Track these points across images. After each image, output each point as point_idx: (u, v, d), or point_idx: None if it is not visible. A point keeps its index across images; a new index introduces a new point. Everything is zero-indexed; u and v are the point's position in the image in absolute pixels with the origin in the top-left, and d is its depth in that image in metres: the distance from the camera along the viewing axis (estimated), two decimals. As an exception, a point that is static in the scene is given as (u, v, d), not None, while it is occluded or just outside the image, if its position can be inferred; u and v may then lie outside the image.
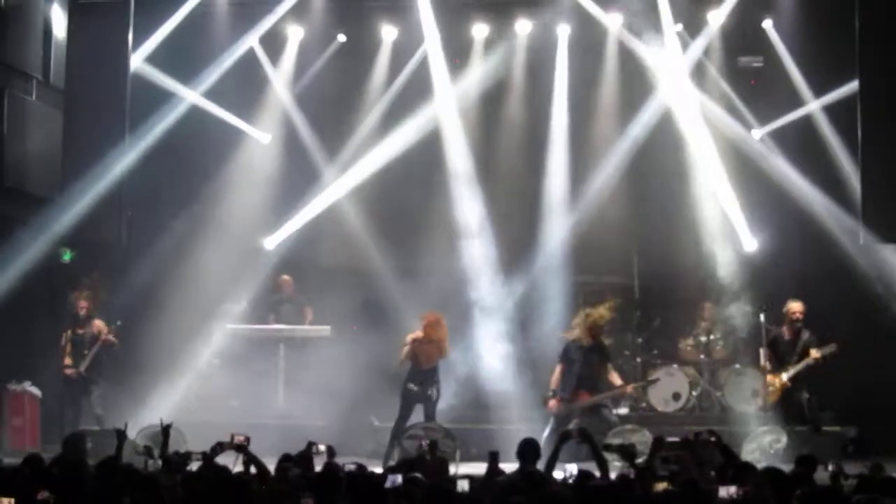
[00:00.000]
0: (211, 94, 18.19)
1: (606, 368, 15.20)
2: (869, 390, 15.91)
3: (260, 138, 19.01)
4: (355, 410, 16.03)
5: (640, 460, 9.83)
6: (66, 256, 17.19)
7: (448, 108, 18.46)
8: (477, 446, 14.45)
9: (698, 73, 18.22)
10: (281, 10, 18.11)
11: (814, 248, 16.95)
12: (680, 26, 17.94)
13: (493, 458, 10.16)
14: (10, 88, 16.06)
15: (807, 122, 17.69)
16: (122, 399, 15.65)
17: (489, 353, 16.97)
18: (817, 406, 15.14)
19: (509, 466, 10.10)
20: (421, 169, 18.56)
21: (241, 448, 9.92)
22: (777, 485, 8.33)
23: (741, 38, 18.17)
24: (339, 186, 18.57)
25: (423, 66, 18.65)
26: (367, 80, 19.04)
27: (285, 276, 18.18)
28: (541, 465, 9.90)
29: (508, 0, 18.43)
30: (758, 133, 18.12)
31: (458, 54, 18.62)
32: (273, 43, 18.86)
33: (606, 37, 18.32)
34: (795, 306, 15.09)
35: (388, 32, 18.85)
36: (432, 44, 18.45)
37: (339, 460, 10.04)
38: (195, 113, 18.04)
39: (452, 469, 11.24)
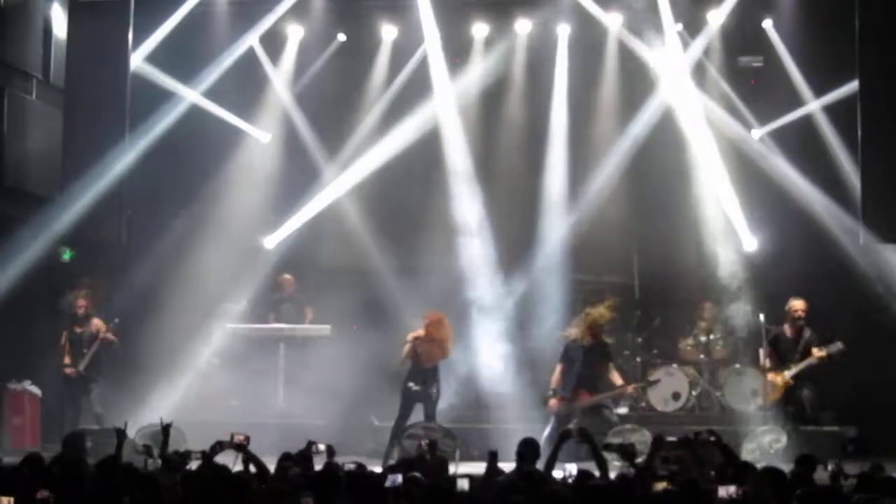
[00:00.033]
0: (211, 94, 18.19)
1: (608, 368, 15.17)
2: (869, 390, 15.91)
3: (260, 138, 19.00)
4: (355, 409, 16.03)
5: (639, 460, 9.84)
6: (66, 255, 17.19)
7: (448, 107, 18.46)
8: (477, 446, 14.44)
9: (698, 73, 18.21)
10: (281, 9, 18.09)
11: (814, 247, 16.94)
12: (680, 26, 17.93)
13: (493, 458, 10.16)
14: (10, 87, 16.07)
15: (807, 122, 17.69)
16: (121, 398, 15.64)
17: (489, 353, 16.96)
18: (818, 406, 15.13)
19: (509, 466, 10.10)
20: (421, 168, 18.57)
21: (241, 447, 9.92)
22: (777, 484, 8.33)
23: (741, 38, 18.17)
24: (338, 185, 18.57)
25: (423, 65, 18.65)
26: (367, 79, 19.03)
27: (287, 275, 18.17)
28: (540, 465, 9.91)
29: (508, -1, 18.45)
30: (758, 133, 18.12)
31: (458, 54, 18.62)
32: (273, 42, 18.86)
33: (606, 36, 18.31)
34: (798, 304, 15.09)
35: (388, 32, 18.85)
36: (432, 43, 18.45)
37: (338, 459, 10.06)
38: (195, 112, 18.03)
39: (452, 469, 11.23)
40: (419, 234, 18.27)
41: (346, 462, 9.60)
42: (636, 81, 18.25)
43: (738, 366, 16.84)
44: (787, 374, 14.94)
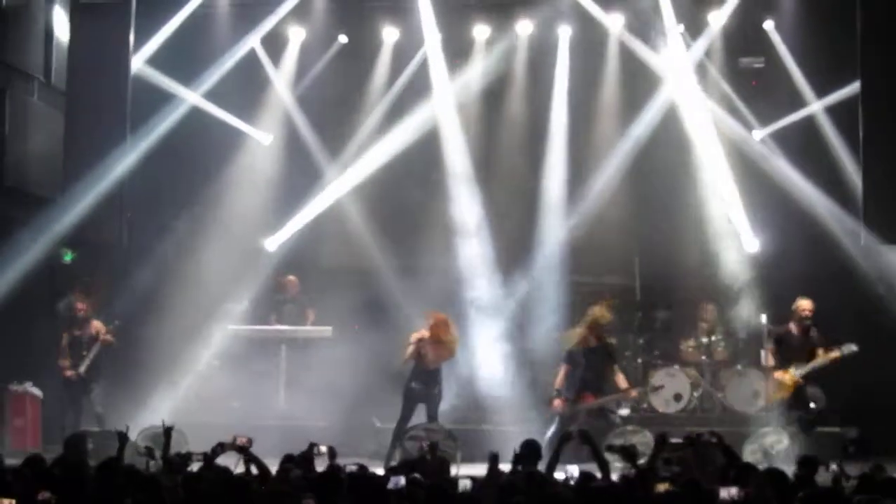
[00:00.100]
0: (212, 95, 18.20)
1: (612, 370, 15.10)
2: (870, 391, 15.90)
3: (261, 139, 19.01)
4: (357, 411, 16.03)
5: (641, 461, 9.83)
6: (67, 257, 17.20)
7: (449, 108, 18.46)
8: (479, 448, 14.41)
9: (699, 74, 18.21)
10: (282, 11, 18.12)
11: (815, 249, 16.94)
12: (681, 27, 17.93)
13: (494, 460, 10.15)
14: (12, 89, 16.07)
15: (808, 123, 17.69)
16: (122, 399, 15.66)
17: (490, 353, 16.97)
18: (826, 406, 15.08)
19: (510, 468, 10.10)
20: (422, 168, 18.59)
21: (243, 449, 9.91)
22: (779, 486, 8.32)
23: (742, 39, 18.16)
24: (339, 186, 18.57)
25: (424, 67, 18.66)
26: (369, 81, 19.04)
27: (291, 277, 18.16)
28: (542, 467, 9.90)
29: (509, 1, 18.41)
30: (759, 134, 18.11)
31: (459, 55, 18.62)
32: (274, 44, 18.86)
33: (607, 38, 18.32)
34: (805, 304, 15.04)
35: (390, 33, 18.85)
36: (433, 45, 18.45)
37: (340, 461, 10.05)
38: (196, 114, 18.05)
39: (454, 470, 11.22)
40: (420, 235, 18.29)
41: (348, 463, 9.59)
42: (637, 82, 18.25)
43: (739, 367, 16.84)
44: (797, 372, 14.86)
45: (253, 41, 18.49)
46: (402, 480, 8.81)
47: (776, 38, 17.94)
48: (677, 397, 16.72)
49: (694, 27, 18.05)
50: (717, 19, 17.89)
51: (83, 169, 16.02)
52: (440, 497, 8.18)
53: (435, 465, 10.58)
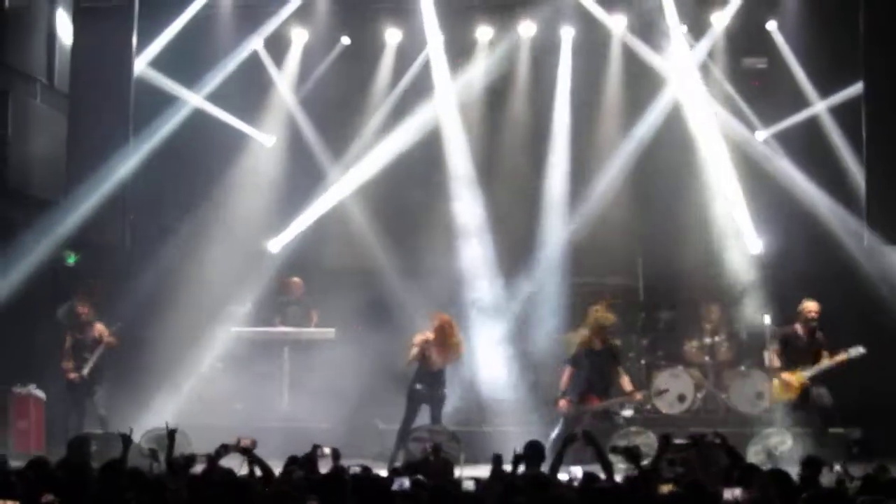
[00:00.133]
0: (215, 98, 18.21)
1: (617, 372, 15.08)
2: (873, 392, 15.87)
3: (264, 141, 19.01)
4: (360, 412, 16.03)
5: (645, 462, 9.82)
6: (70, 259, 17.21)
7: (452, 109, 18.46)
8: (482, 449, 14.40)
9: (702, 74, 18.20)
10: (285, 12, 18.13)
11: (818, 249, 16.93)
12: (684, 28, 17.93)
13: (497, 461, 10.15)
14: (15, 91, 16.07)
15: (811, 124, 17.68)
16: (125, 401, 15.64)
17: (492, 355, 16.96)
18: (833, 406, 15.05)
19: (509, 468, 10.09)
20: (424, 169, 18.59)
21: (246, 450, 9.92)
22: (782, 487, 8.31)
23: (745, 40, 18.17)
24: (342, 187, 18.57)
25: (427, 68, 18.66)
26: (371, 82, 19.04)
27: (295, 279, 18.16)
28: (545, 468, 9.90)
29: (512, 2, 18.41)
30: (762, 134, 18.11)
31: (462, 57, 18.61)
32: (277, 46, 18.87)
33: (610, 39, 18.32)
34: (812, 306, 15.00)
35: (392, 35, 18.85)
36: (436, 46, 18.45)
37: (344, 462, 10.05)
38: (199, 116, 18.06)
39: (457, 472, 11.22)
40: (422, 236, 18.27)
41: (352, 465, 9.59)
42: (640, 83, 18.26)
43: (743, 368, 16.82)
44: (804, 374, 14.82)
45: (256, 43, 18.51)
46: (407, 482, 8.81)
47: (779, 39, 17.94)
48: (681, 398, 16.71)
49: (697, 28, 18.05)
50: (720, 20, 17.88)
51: (86, 171, 16.03)
52: (443, 498, 8.17)
53: (438, 467, 10.58)
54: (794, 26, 17.71)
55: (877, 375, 15.71)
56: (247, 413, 16.32)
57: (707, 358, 17.31)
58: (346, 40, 18.97)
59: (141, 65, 16.95)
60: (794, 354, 15.01)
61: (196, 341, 16.90)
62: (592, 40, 18.40)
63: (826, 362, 14.75)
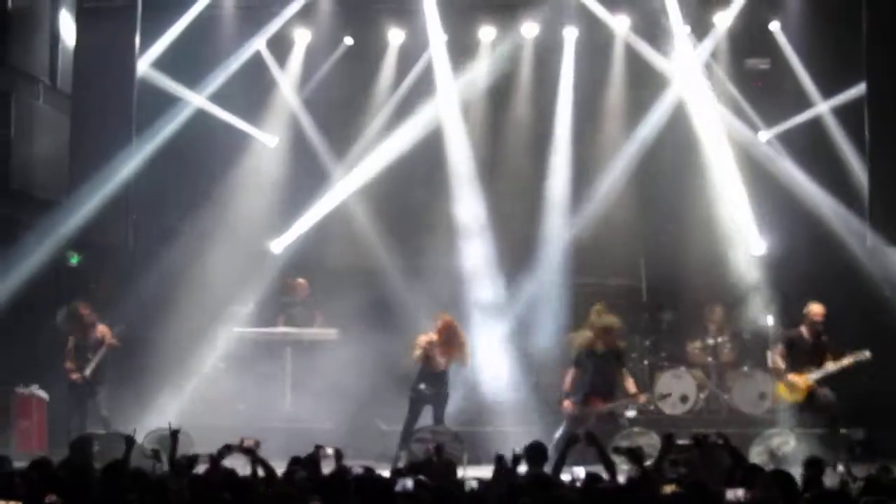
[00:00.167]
0: (218, 98, 18.23)
1: (621, 374, 15.07)
2: (876, 392, 15.86)
3: (267, 142, 19.01)
4: (363, 413, 16.03)
5: (648, 462, 9.82)
6: (73, 260, 17.22)
7: (454, 109, 18.46)
8: (485, 450, 14.41)
9: (705, 75, 18.19)
10: (288, 13, 18.16)
11: (821, 250, 16.93)
12: (687, 28, 17.92)
13: (500, 461, 10.15)
14: (17, 92, 16.07)
15: (814, 124, 17.68)
16: (128, 402, 15.64)
17: (495, 355, 16.96)
18: (838, 407, 15.03)
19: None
20: (427, 169, 18.60)
21: (249, 451, 9.92)
22: (785, 488, 8.31)
23: (748, 40, 18.17)
24: (344, 188, 18.57)
25: (430, 69, 18.66)
26: (374, 83, 19.05)
27: (301, 280, 18.15)
28: (548, 468, 9.90)
29: (515, 3, 18.41)
30: (765, 135, 18.10)
31: (464, 57, 18.61)
32: (280, 46, 18.88)
33: (613, 39, 18.32)
34: (818, 309, 14.95)
35: (395, 36, 18.85)
36: (438, 47, 18.46)
37: (346, 463, 10.05)
38: (202, 116, 18.07)
39: (460, 472, 11.21)
40: (424, 236, 18.29)
41: (355, 466, 9.59)
42: (643, 84, 18.25)
43: (746, 368, 16.82)
44: (811, 376, 14.79)
45: (258, 44, 18.52)
46: (409, 483, 8.81)
47: (782, 39, 17.94)
48: (684, 399, 16.70)
49: (699, 28, 18.05)
50: (723, 20, 17.89)
51: (89, 172, 16.05)
52: (446, 499, 8.18)
53: (441, 468, 10.57)
54: (797, 27, 17.71)
55: (880, 376, 15.70)
56: (249, 413, 16.31)
57: (710, 359, 17.30)
58: (348, 41, 18.98)
59: (144, 65, 16.98)
60: (799, 357, 14.97)
61: (199, 342, 16.90)
62: (595, 41, 18.40)
63: (832, 366, 14.72)
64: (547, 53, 18.57)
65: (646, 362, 17.41)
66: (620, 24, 18.10)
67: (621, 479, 9.48)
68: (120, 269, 17.50)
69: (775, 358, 15.28)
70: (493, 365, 16.86)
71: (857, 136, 16.20)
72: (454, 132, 18.46)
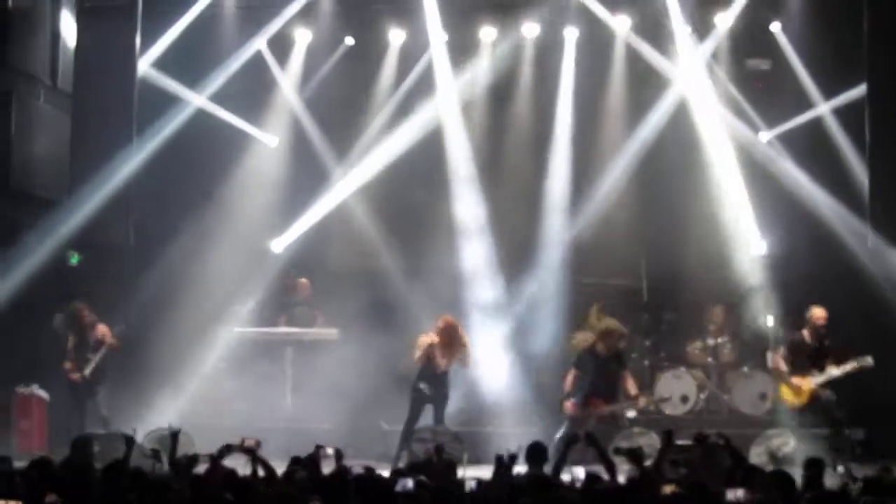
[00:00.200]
0: (218, 98, 18.22)
1: (623, 376, 15.09)
2: (876, 392, 15.85)
3: (267, 142, 19.01)
4: (363, 413, 16.03)
5: (648, 463, 9.82)
6: (74, 259, 17.22)
7: (454, 109, 18.46)
8: (485, 450, 14.41)
9: (706, 75, 18.18)
10: (288, 13, 18.13)
11: (822, 250, 16.92)
12: (688, 29, 17.91)
13: (500, 462, 10.15)
14: (18, 92, 16.06)
15: (815, 125, 17.66)
16: (128, 401, 15.65)
17: (495, 355, 16.96)
18: (839, 408, 15.03)
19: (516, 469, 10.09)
20: (427, 169, 18.57)
21: (249, 450, 9.92)
22: (785, 488, 8.31)
23: (749, 41, 18.15)
24: (345, 187, 18.57)
25: (431, 69, 18.65)
26: (375, 83, 19.03)
27: (303, 280, 18.17)
28: (548, 468, 9.90)
29: (515, 3, 18.41)
30: (766, 136, 18.10)
31: (465, 57, 18.61)
32: (281, 46, 18.87)
33: (614, 39, 18.32)
34: (821, 313, 14.94)
35: (396, 36, 18.84)
36: (439, 47, 18.45)
37: (347, 463, 10.05)
38: (202, 116, 18.06)
39: (460, 472, 11.22)
40: (424, 236, 18.27)
41: (355, 465, 9.59)
42: (644, 84, 18.25)
43: (746, 369, 16.83)
44: (815, 380, 14.78)
45: (259, 43, 18.51)
46: (410, 483, 8.81)
47: (783, 40, 17.92)
48: (684, 399, 16.71)
49: (700, 29, 18.03)
50: (724, 21, 17.87)
51: (89, 171, 16.05)
52: (446, 499, 8.18)
53: (441, 468, 10.58)
54: (798, 27, 17.69)
55: (880, 376, 15.69)
56: (250, 413, 16.32)
57: (710, 359, 17.30)
58: (349, 40, 18.97)
59: (144, 65, 16.97)
60: (802, 361, 14.97)
61: (199, 341, 16.91)
62: (596, 41, 18.39)
63: (835, 371, 14.72)
64: (547, 53, 18.57)
65: (646, 362, 17.41)
66: (621, 25, 18.09)
67: (621, 479, 9.49)
68: (121, 268, 17.50)
69: (776, 360, 15.29)
70: (493, 365, 16.86)
71: (857, 136, 16.19)
72: (454, 132, 18.45)
